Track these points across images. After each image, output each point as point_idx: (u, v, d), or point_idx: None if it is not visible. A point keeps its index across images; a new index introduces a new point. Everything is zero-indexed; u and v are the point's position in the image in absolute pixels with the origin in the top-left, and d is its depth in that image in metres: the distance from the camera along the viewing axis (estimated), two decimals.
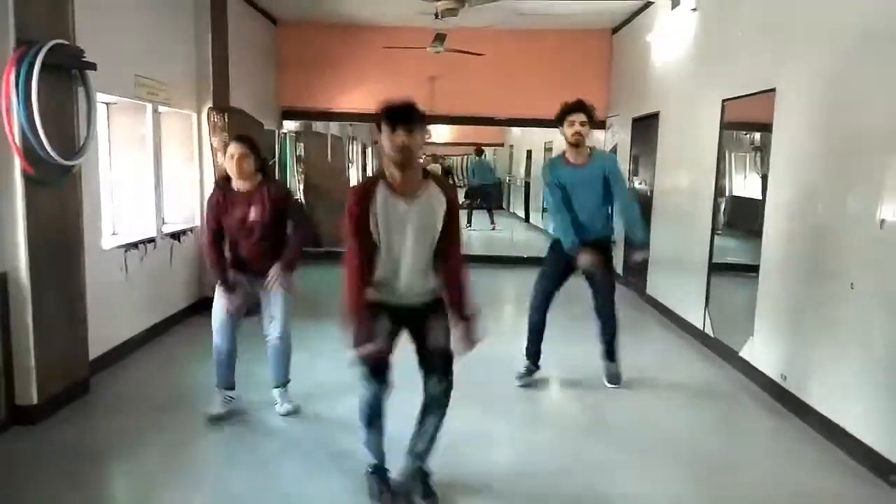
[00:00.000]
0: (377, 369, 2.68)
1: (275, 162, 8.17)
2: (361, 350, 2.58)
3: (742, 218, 5.38)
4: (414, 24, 8.05)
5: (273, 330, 3.61)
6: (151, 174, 5.12)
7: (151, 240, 5.09)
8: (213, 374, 3.67)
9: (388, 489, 2.79)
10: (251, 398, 3.85)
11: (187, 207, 5.94)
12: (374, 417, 2.75)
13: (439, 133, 18.88)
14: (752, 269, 4.50)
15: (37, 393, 3.47)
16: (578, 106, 3.89)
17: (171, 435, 3.50)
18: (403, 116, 2.48)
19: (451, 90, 8.41)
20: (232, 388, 3.68)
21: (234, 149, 3.43)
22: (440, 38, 7.21)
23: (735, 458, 3.44)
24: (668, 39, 6.35)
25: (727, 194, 5.32)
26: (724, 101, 5.03)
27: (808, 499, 3.01)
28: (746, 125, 5.13)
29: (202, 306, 5.92)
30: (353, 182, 15.81)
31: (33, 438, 3.37)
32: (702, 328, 5.32)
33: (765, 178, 5.48)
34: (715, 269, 5.24)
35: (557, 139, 11.55)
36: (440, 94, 8.50)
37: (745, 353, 4.54)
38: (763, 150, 5.53)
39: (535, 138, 13.79)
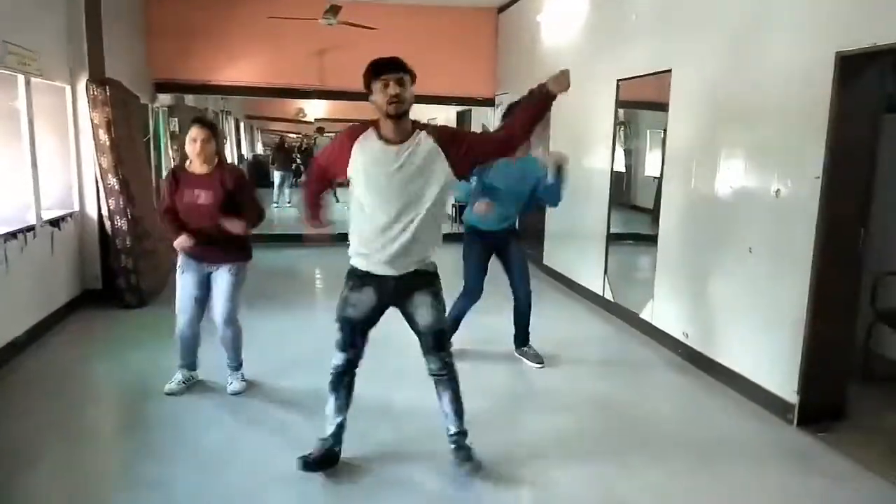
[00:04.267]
0: (351, 339, 2.77)
1: (148, 139, 7.54)
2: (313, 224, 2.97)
3: (618, 191, 5.79)
4: None
5: (217, 317, 3.60)
6: (28, 155, 4.56)
7: (31, 228, 4.55)
8: (125, 370, 3.65)
9: (318, 460, 2.82)
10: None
11: (64, 190, 5.37)
12: (339, 385, 2.83)
13: (322, 109, 18.38)
14: (641, 238, 4.88)
15: None
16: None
17: (78, 443, 3.23)
18: (392, 66, 2.56)
19: (340, 65, 8.18)
20: (194, 368, 3.75)
21: (196, 132, 3.40)
22: (334, 9, 7.00)
23: (651, 409, 3.77)
24: (560, 20, 6.62)
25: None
26: (618, 80, 5.36)
27: (721, 440, 3.37)
28: (640, 104, 5.51)
29: (86, 299, 5.44)
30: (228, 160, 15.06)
31: None
32: (601, 294, 5.71)
33: (628, 153, 5.96)
34: (612, 238, 5.63)
35: (441, 115, 11.69)
36: (329, 68, 8.27)
37: (645, 315, 4.95)
38: (627, 125, 6.00)
39: (422, 115, 13.80)
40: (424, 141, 2.62)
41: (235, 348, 3.73)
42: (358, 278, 2.74)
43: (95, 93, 5.19)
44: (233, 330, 3.66)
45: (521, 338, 4.40)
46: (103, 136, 5.19)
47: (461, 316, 4.23)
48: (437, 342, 2.79)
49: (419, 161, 2.59)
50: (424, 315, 2.74)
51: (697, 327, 4.32)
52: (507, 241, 4.24)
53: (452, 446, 2.88)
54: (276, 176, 13.42)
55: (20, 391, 3.78)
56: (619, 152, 5.67)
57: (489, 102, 8.95)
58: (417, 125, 2.66)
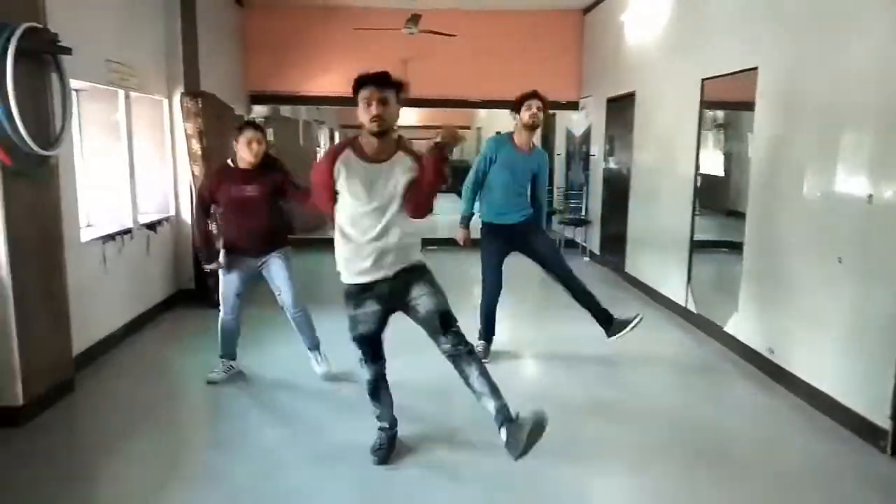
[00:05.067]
0: (372, 352, 2.95)
1: None
2: None
3: (711, 196, 5.49)
4: (386, 4, 7.95)
5: (285, 302, 3.91)
6: (126, 163, 4.93)
7: (128, 231, 4.92)
8: (202, 358, 4.12)
9: (386, 445, 3.03)
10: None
11: (161, 196, 5.76)
12: (377, 391, 3.04)
13: (408, 117, 18.79)
14: (734, 246, 4.60)
15: (22, 393, 3.34)
16: (535, 94, 4.22)
17: (160, 431, 3.45)
18: (373, 80, 2.60)
19: (423, 73, 8.28)
20: (234, 357, 4.03)
21: (250, 134, 3.75)
22: (415, 19, 7.11)
23: (727, 426, 3.53)
24: (644, 20, 6.39)
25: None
26: (703, 80, 5.09)
27: (801, 465, 3.10)
28: (726, 104, 5.21)
29: (180, 298, 5.80)
30: None
31: (21, 440, 3.24)
32: (684, 304, 5.43)
33: (727, 156, 5.62)
34: (696, 246, 5.34)
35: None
36: (412, 76, 8.33)
37: (729, 328, 4.65)
38: (726, 127, 5.66)
39: (501, 121, 13.78)
40: (401, 159, 2.73)
41: (310, 327, 4.00)
42: (357, 295, 2.82)
43: (188, 105, 5.54)
44: (303, 310, 3.95)
45: (602, 318, 4.19)
46: (195, 146, 5.53)
47: (492, 315, 4.35)
48: (443, 322, 2.74)
49: (396, 178, 2.71)
50: (425, 302, 2.76)
51: (783, 342, 4.01)
52: (526, 233, 4.26)
53: (501, 424, 2.61)
54: None
55: (112, 381, 4.08)
56: (717, 155, 5.37)
57: (573, 106, 8.78)
58: (400, 145, 2.76)
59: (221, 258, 3.86)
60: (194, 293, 5.86)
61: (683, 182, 5.46)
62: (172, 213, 5.82)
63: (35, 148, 3.24)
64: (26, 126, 3.17)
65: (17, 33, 3.09)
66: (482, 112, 15.05)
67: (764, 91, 4.25)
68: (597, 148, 8.04)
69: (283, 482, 2.88)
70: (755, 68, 4.31)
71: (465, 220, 4.32)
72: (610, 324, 4.18)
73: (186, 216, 5.86)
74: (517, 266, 4.60)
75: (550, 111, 9.81)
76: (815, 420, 3.52)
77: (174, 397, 3.94)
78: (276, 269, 3.86)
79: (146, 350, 4.67)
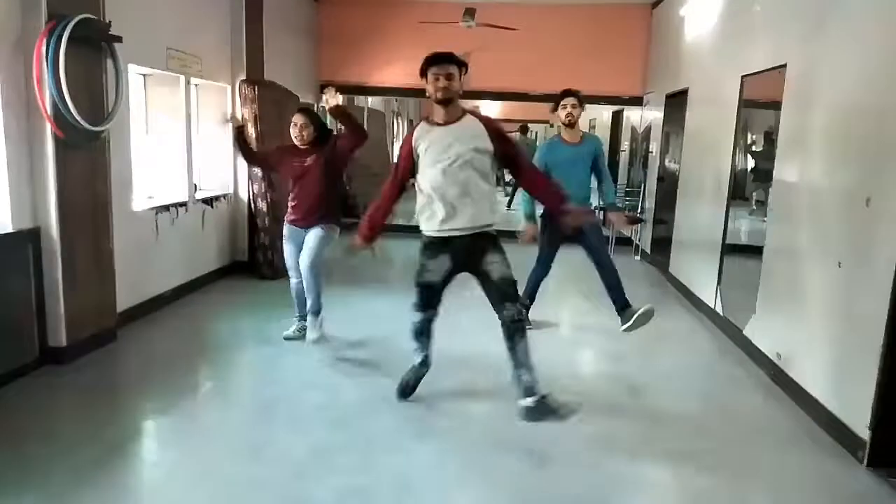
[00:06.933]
0: (427, 302, 3.27)
1: None
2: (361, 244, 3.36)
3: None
4: None
5: (302, 261, 4.23)
6: (183, 143, 5.44)
7: (183, 204, 5.43)
8: (247, 327, 4.75)
9: (413, 384, 3.49)
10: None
11: (223, 175, 6.28)
12: (419, 335, 3.40)
13: (497, 109, 18.87)
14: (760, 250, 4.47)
15: (66, 336, 3.85)
16: (568, 92, 4.56)
17: (197, 377, 3.91)
18: (440, 59, 3.04)
19: (485, 66, 8.41)
20: (305, 316, 4.44)
21: (297, 118, 4.22)
22: (469, 12, 7.28)
23: (715, 430, 3.49)
24: (699, 13, 6.24)
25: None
26: (742, 76, 4.94)
27: (779, 472, 3.04)
28: (765, 103, 5.02)
29: (234, 269, 6.31)
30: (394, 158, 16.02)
31: (64, 376, 3.75)
32: (713, 306, 5.31)
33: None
34: (730, 249, 5.19)
35: (601, 116, 11.45)
36: (475, 69, 8.50)
37: (747, 332, 4.53)
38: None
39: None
40: (473, 124, 3.09)
41: (317, 292, 4.29)
42: (432, 247, 3.16)
43: (245, 91, 6.01)
44: (314, 275, 4.23)
45: (620, 302, 4.44)
46: (251, 129, 5.99)
47: (536, 288, 4.76)
48: (506, 294, 3.07)
49: (467, 132, 3.06)
50: (498, 269, 3.08)
51: (789, 348, 3.89)
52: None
53: (526, 395, 3.00)
54: None
55: (153, 335, 4.58)
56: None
57: (638, 101, 8.63)
58: (466, 110, 3.12)
59: (285, 231, 4.38)
60: (247, 265, 6.36)
61: (719, 181, 5.32)
62: (231, 190, 6.33)
63: (83, 123, 3.72)
64: (79, 105, 3.66)
65: (71, 24, 3.57)
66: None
67: (791, 89, 4.11)
68: (655, 145, 7.89)
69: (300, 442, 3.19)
70: (784, 65, 4.17)
71: (531, 218, 4.63)
72: (627, 306, 4.43)
73: (244, 194, 6.36)
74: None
75: (616, 106, 9.76)
76: (808, 429, 3.42)
77: (208, 353, 4.35)
78: (311, 234, 4.21)
79: (192, 312, 5.17)
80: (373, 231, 3.35)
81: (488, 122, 3.13)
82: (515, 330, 3.04)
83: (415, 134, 3.15)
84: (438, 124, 3.10)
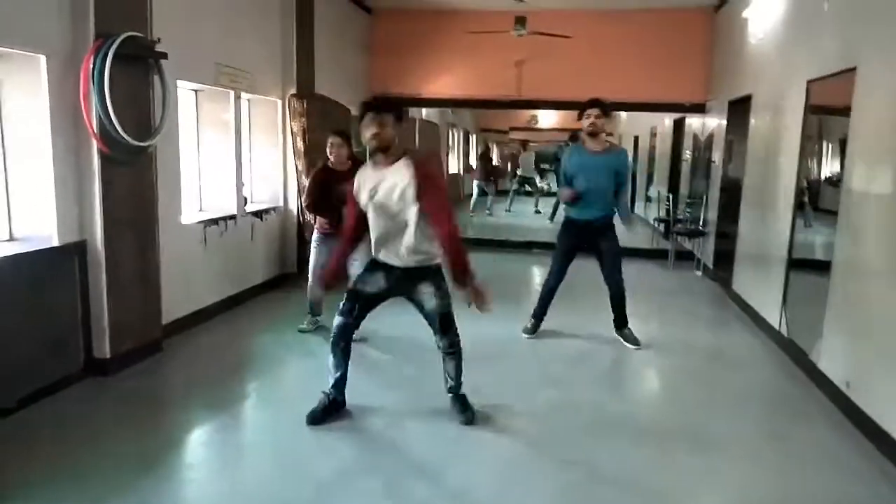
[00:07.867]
0: (351, 309, 3.30)
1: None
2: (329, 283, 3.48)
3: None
4: (496, 6, 8.01)
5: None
6: (233, 157, 5.52)
7: (232, 217, 5.51)
8: (292, 339, 4.83)
9: (323, 411, 3.36)
10: None
11: (273, 188, 6.35)
12: (336, 344, 3.34)
13: (552, 118, 18.69)
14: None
15: (110, 348, 3.92)
16: (593, 102, 4.59)
17: (238, 391, 3.91)
18: (372, 110, 3.09)
19: (538, 74, 8.31)
20: (319, 314, 4.86)
21: (332, 139, 4.49)
22: (520, 20, 7.16)
23: (773, 466, 3.21)
24: (762, 15, 5.90)
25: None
26: (808, 81, 4.61)
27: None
28: (833, 109, 4.67)
29: (281, 281, 6.36)
30: (452, 169, 15.96)
31: (108, 387, 3.82)
32: (777, 328, 4.95)
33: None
34: (795, 265, 4.84)
35: (662, 124, 11.07)
36: (527, 78, 8.42)
37: (814, 356, 4.19)
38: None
39: (641, 124, 13.25)
40: (402, 170, 3.09)
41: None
42: (373, 263, 3.32)
43: (295, 105, 6.07)
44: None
45: (619, 320, 4.81)
46: (299, 143, 6.05)
47: (548, 297, 4.84)
48: (441, 324, 3.27)
49: (393, 179, 3.09)
50: (427, 300, 3.25)
51: (861, 377, 3.55)
52: (600, 233, 4.67)
53: (450, 396, 3.43)
54: (475, 186, 13.49)
55: (199, 346, 4.64)
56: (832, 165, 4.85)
57: (700, 108, 8.26)
58: (406, 154, 3.14)
59: (315, 237, 4.64)
60: (296, 277, 6.40)
61: (784, 192, 4.98)
62: (281, 203, 6.40)
63: (128, 139, 3.80)
64: (125, 121, 3.74)
65: (117, 42, 3.65)
66: (622, 115, 14.54)
67: (861, 93, 3.78)
68: (717, 154, 7.51)
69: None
70: (854, 68, 3.84)
71: (568, 184, 4.73)
72: (622, 327, 4.80)
73: (294, 207, 6.41)
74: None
75: (677, 114, 9.38)
76: (884, 471, 3.09)
77: (253, 365, 4.36)
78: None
79: (238, 324, 5.21)
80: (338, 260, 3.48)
81: (417, 174, 3.08)
82: (446, 355, 3.37)
83: (360, 176, 3.26)
84: (376, 168, 3.18)
